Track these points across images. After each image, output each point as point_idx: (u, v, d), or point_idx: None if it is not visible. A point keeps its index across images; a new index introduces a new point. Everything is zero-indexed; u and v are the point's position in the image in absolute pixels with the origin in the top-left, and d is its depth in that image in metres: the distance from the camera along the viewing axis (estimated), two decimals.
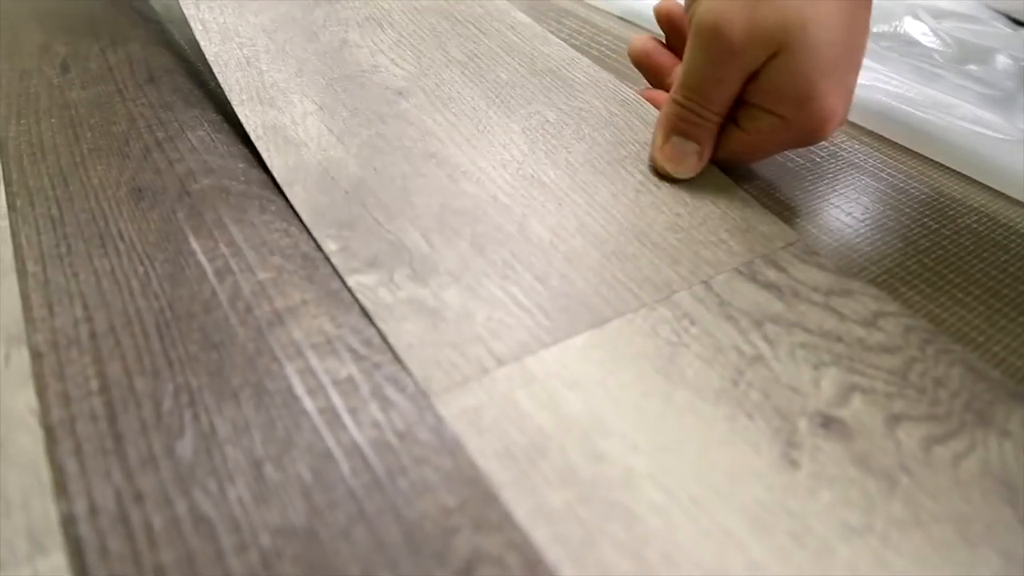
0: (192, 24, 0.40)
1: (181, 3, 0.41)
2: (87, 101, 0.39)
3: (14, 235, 0.29)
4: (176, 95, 0.40)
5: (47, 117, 0.37)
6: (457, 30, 0.43)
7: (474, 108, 0.37)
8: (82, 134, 0.36)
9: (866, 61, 0.37)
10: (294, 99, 0.36)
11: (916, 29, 0.49)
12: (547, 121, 0.37)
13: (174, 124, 0.37)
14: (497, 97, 0.38)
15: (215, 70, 0.37)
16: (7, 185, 0.32)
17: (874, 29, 0.48)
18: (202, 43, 0.39)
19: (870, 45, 0.42)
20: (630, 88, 0.39)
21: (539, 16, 0.53)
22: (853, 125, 0.41)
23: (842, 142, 0.39)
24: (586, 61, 0.42)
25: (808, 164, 0.37)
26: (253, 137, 0.33)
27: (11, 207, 0.31)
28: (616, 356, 0.25)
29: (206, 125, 0.37)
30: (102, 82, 0.41)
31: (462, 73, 0.40)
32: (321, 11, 0.43)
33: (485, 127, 0.36)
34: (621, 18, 0.55)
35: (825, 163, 0.37)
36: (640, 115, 0.38)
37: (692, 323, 0.27)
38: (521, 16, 0.46)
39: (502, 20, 0.45)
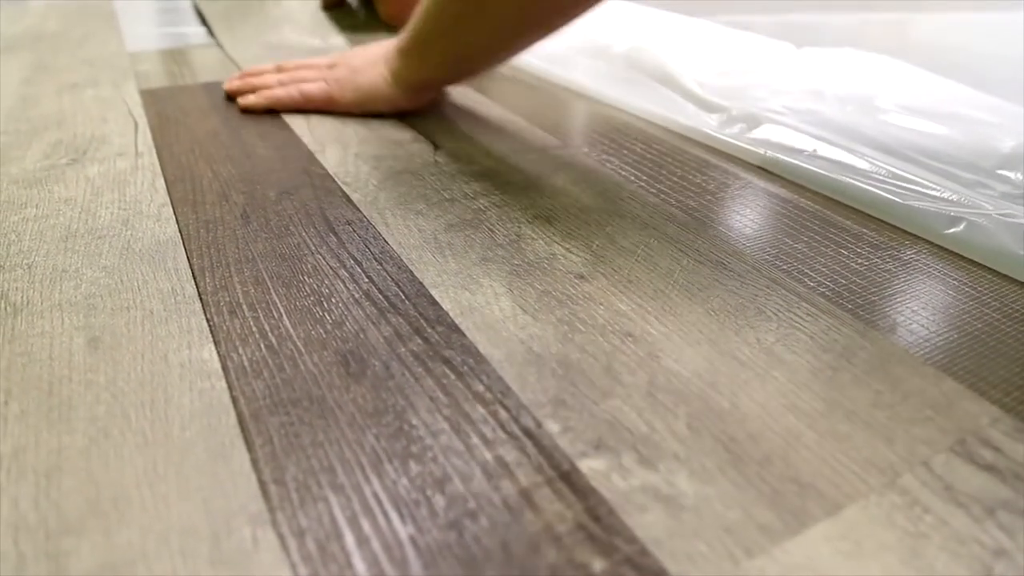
0: (375, 224, 0.45)
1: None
2: (272, 254, 0.40)
3: (234, 401, 0.30)
4: (359, 251, 0.41)
5: (239, 272, 0.39)
6: (619, 223, 0.45)
7: (655, 291, 0.38)
8: (274, 290, 0.37)
9: None
10: (483, 282, 0.39)
11: None
12: (727, 304, 0.37)
13: (363, 280, 0.38)
14: (674, 282, 0.39)
15: (405, 260, 0.41)
16: (215, 343, 0.33)
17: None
18: (387, 239, 0.44)
19: None
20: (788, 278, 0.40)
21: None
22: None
23: (1015, 302, 0.39)
24: (746, 254, 0.43)
25: (988, 329, 0.37)
26: (452, 315, 0.35)
27: (224, 368, 0.32)
28: (861, 549, 0.25)
29: (398, 283, 0.38)
30: (284, 234, 0.43)
31: (634, 259, 0.41)
32: (492, 213, 0.46)
33: (670, 308, 0.37)
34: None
35: (1004, 326, 0.37)
36: (812, 301, 0.38)
37: (924, 511, 0.26)
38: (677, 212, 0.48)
39: (660, 213, 0.47)
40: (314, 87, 0.62)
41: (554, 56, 0.80)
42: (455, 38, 0.54)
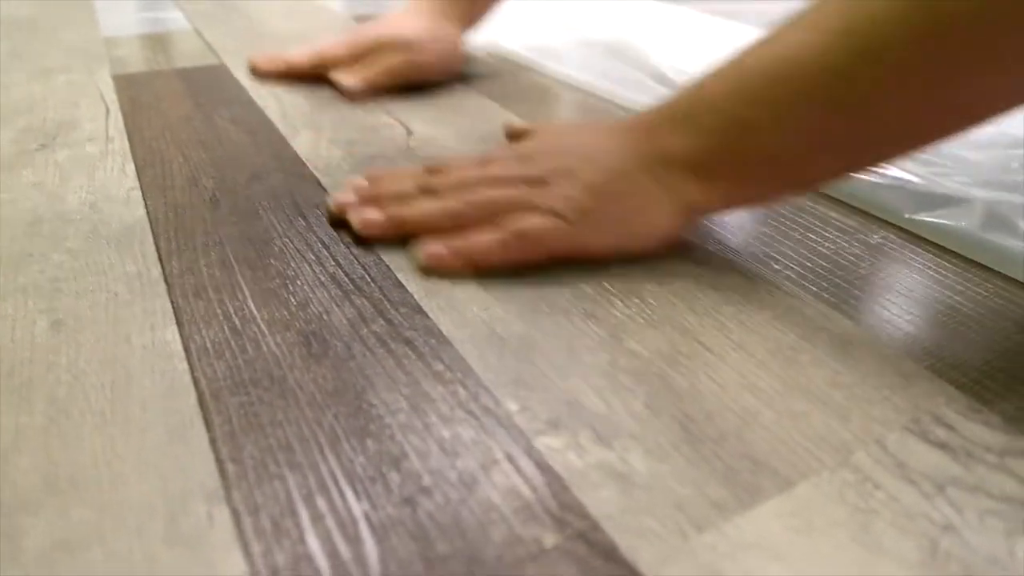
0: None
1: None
2: (240, 237, 0.40)
3: (195, 382, 0.30)
4: (327, 234, 0.41)
5: (205, 255, 0.39)
6: None
7: (622, 273, 0.39)
8: (241, 272, 0.37)
9: None
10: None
11: None
12: (692, 286, 0.38)
13: (330, 263, 0.38)
14: (642, 263, 0.40)
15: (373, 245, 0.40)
16: (179, 325, 0.33)
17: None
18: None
19: None
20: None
21: None
22: (989, 270, 0.41)
23: (978, 287, 0.39)
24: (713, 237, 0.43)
25: (950, 312, 0.37)
26: (417, 297, 0.35)
27: (187, 349, 0.32)
28: (811, 525, 0.25)
29: (364, 266, 0.38)
30: (252, 217, 0.43)
31: None
32: None
33: (635, 290, 0.38)
34: None
35: (966, 310, 0.37)
36: (776, 283, 0.39)
37: (875, 487, 0.27)
38: None
39: None
40: (542, 224, 0.37)
41: (537, 45, 0.80)
42: (833, 143, 0.34)
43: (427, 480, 0.26)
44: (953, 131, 0.32)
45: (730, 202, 0.38)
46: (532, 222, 0.36)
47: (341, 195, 0.42)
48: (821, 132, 0.33)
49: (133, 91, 0.65)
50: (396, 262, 0.38)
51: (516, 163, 0.40)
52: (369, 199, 0.40)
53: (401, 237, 0.39)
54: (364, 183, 0.42)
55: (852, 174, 0.36)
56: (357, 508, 0.25)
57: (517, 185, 0.38)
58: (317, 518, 0.24)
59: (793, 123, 0.33)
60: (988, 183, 0.47)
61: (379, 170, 0.44)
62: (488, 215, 0.37)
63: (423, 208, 0.39)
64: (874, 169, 0.45)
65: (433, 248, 0.37)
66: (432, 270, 0.37)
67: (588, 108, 0.66)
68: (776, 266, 0.40)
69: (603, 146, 0.39)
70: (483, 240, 0.37)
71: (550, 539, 0.24)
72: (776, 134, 0.34)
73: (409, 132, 0.57)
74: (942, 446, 0.29)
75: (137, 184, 0.47)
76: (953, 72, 0.29)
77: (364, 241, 0.40)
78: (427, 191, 0.40)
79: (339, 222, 0.41)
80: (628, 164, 0.37)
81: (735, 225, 0.44)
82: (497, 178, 0.39)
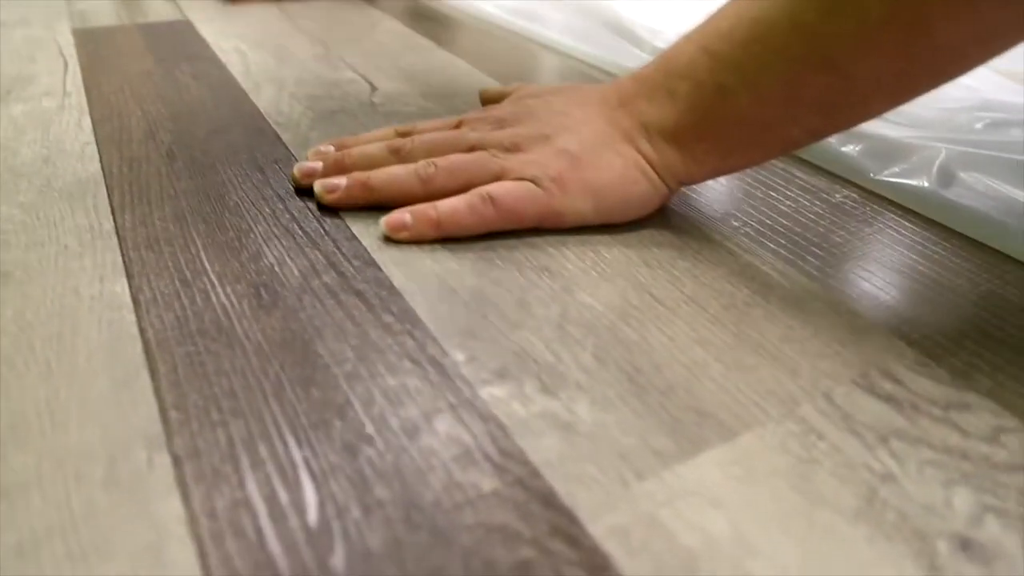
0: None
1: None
2: (196, 191, 0.40)
3: (142, 331, 0.30)
4: (283, 186, 0.41)
5: (160, 208, 0.38)
6: None
7: (577, 228, 0.38)
8: (195, 226, 0.37)
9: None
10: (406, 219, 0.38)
11: None
12: (650, 240, 0.38)
13: (284, 216, 0.38)
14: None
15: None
16: (129, 277, 0.33)
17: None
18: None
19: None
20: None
21: None
22: (948, 230, 0.41)
23: (935, 246, 0.40)
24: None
25: (905, 270, 0.37)
26: (371, 250, 0.35)
27: (135, 300, 0.32)
28: (752, 473, 0.25)
29: (319, 219, 0.38)
30: (209, 171, 0.42)
31: None
32: None
33: (590, 244, 0.37)
34: None
35: (921, 268, 0.37)
36: (737, 243, 0.38)
37: (819, 438, 0.27)
38: None
39: None
40: (516, 191, 0.35)
41: (514, 6, 0.79)
42: (808, 105, 0.33)
43: (369, 428, 0.26)
44: (931, 83, 0.31)
45: (712, 170, 0.37)
46: (505, 187, 0.35)
47: (307, 163, 0.40)
48: (798, 91, 0.32)
49: (93, 46, 0.63)
50: (351, 214, 0.38)
51: (490, 127, 0.38)
52: (335, 166, 0.39)
53: (367, 204, 0.38)
54: (330, 149, 0.40)
55: (834, 133, 0.36)
56: (298, 454, 0.25)
57: (490, 150, 0.37)
58: (257, 464, 0.24)
59: (769, 84, 0.32)
60: (952, 143, 0.47)
61: (348, 138, 0.43)
62: (459, 180, 0.36)
63: (390, 172, 0.37)
64: (854, 128, 0.44)
65: (396, 215, 0.35)
66: (399, 238, 0.36)
67: (566, 71, 0.66)
68: (735, 223, 0.40)
69: (580, 114, 0.38)
70: (450, 203, 0.35)
71: (488, 485, 0.24)
72: (753, 97, 0.33)
73: (373, 88, 0.56)
74: (888, 399, 0.29)
75: (93, 138, 0.46)
76: (927, 22, 0.29)
77: (330, 209, 0.38)
78: (396, 153, 0.38)
79: (304, 190, 0.40)
80: (606, 133, 0.36)
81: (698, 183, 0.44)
82: (470, 142, 0.38)
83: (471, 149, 0.37)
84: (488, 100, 0.47)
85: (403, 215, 0.35)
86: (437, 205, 0.35)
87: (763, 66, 0.32)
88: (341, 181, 0.37)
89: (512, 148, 0.36)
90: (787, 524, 0.24)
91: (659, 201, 0.38)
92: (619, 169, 0.36)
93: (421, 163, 0.36)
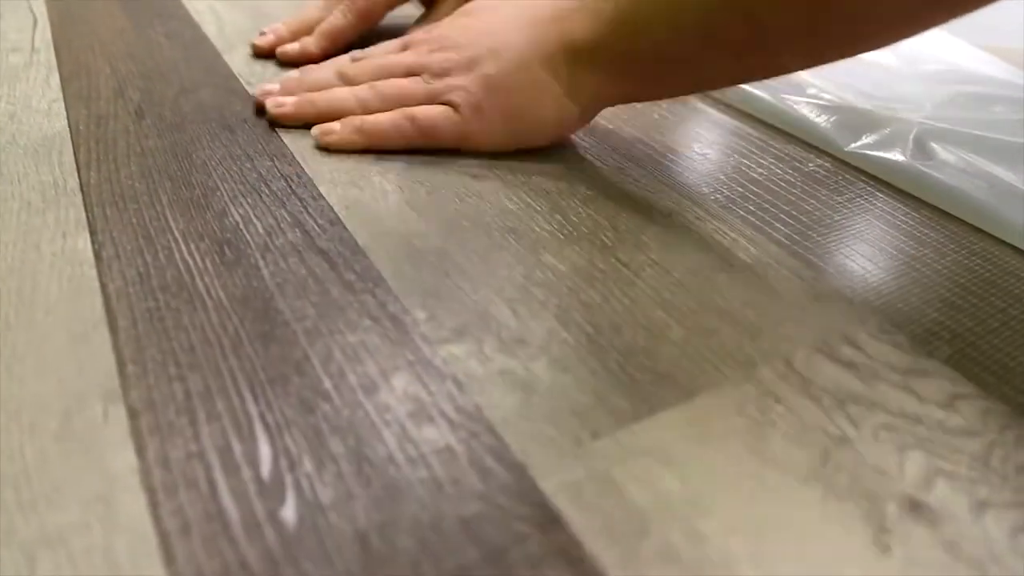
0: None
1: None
2: (164, 150, 0.40)
3: (103, 287, 0.30)
4: (252, 147, 0.40)
5: (126, 165, 0.38)
6: None
7: (547, 191, 0.38)
8: (161, 184, 0.36)
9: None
10: (375, 180, 0.38)
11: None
12: (616, 206, 0.38)
13: (252, 176, 0.37)
14: (567, 185, 0.39)
15: (297, 157, 0.40)
16: (92, 233, 0.33)
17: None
18: (283, 136, 0.42)
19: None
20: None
21: None
22: (919, 200, 0.41)
23: (905, 216, 0.40)
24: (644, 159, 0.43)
25: (874, 239, 0.37)
26: (336, 210, 0.35)
27: (97, 256, 0.31)
28: (706, 433, 0.25)
29: (283, 178, 0.37)
30: (177, 130, 0.42)
31: (533, 161, 0.41)
32: None
33: (559, 207, 0.37)
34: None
35: (890, 238, 0.38)
36: (704, 205, 0.38)
37: (777, 401, 0.27)
38: None
39: None
40: (435, 114, 0.39)
41: None
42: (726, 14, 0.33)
43: (327, 384, 0.26)
44: (851, 45, 0.33)
45: (627, 94, 0.40)
46: (426, 111, 0.39)
47: (266, 84, 0.45)
48: (716, 33, 0.33)
49: (64, 2, 0.62)
50: (319, 174, 0.38)
51: (428, 49, 0.42)
52: (288, 87, 0.43)
53: (313, 120, 0.42)
54: (293, 74, 0.45)
55: (750, 79, 0.40)
56: (254, 409, 0.25)
57: (423, 75, 0.41)
58: (213, 417, 0.24)
59: (687, 24, 0.34)
60: (929, 117, 0.47)
61: (312, 65, 0.47)
62: (390, 103, 0.40)
63: (334, 95, 0.42)
64: (830, 99, 0.45)
65: (327, 124, 0.41)
66: (328, 145, 0.40)
67: None
68: (706, 189, 0.40)
69: (511, 37, 0.39)
70: (376, 117, 0.40)
71: (442, 441, 0.24)
72: (671, 33, 0.35)
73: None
74: (848, 365, 0.29)
75: (60, 95, 0.45)
76: None
77: (277, 124, 0.42)
78: (343, 77, 0.43)
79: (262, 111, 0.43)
80: (530, 57, 0.38)
81: (668, 148, 0.44)
82: (406, 66, 0.42)
83: (408, 72, 0.41)
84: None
85: (333, 124, 0.40)
86: (365, 117, 0.40)
87: (683, 6, 0.34)
88: (290, 99, 0.42)
89: (441, 73, 0.40)
90: (739, 484, 0.24)
91: (575, 125, 0.41)
92: (535, 95, 0.39)
93: (361, 87, 0.41)
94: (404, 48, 0.44)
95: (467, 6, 0.45)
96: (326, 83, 0.43)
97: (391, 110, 0.40)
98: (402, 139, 0.40)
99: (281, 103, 0.42)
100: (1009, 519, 0.23)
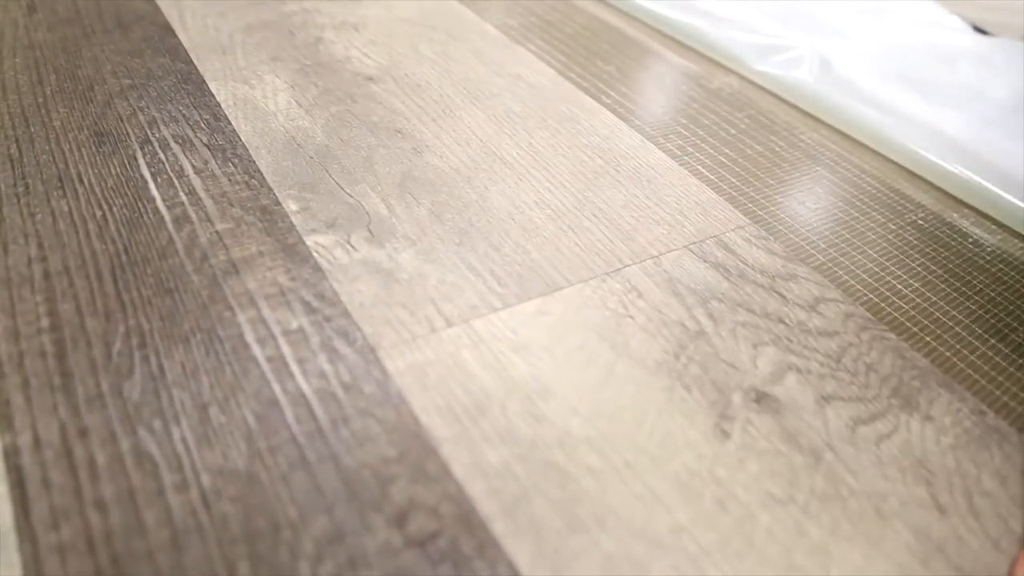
0: (170, 19, 0.41)
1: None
2: (53, 43, 0.38)
3: None
4: (146, 44, 0.39)
5: (11, 57, 0.37)
6: (429, 35, 0.44)
7: (441, 95, 0.38)
8: (46, 76, 0.35)
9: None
10: (266, 79, 0.38)
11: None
12: (512, 111, 0.37)
13: (141, 72, 0.37)
14: (465, 89, 0.39)
15: (192, 55, 0.38)
16: None
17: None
18: (180, 35, 0.41)
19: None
20: (590, 99, 0.40)
21: None
22: (819, 121, 0.42)
23: (803, 134, 0.40)
24: (552, 72, 0.43)
25: (768, 154, 0.38)
26: (224, 106, 0.34)
27: None
28: (563, 324, 0.26)
29: (174, 75, 0.37)
30: (69, 25, 0.40)
31: (432, 67, 0.40)
32: (298, 17, 0.44)
33: (451, 111, 0.37)
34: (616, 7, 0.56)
35: (785, 153, 0.38)
36: (602, 119, 0.38)
37: (640, 296, 0.28)
38: (491, 28, 0.46)
39: (472, 29, 0.46)
40: None
41: None
42: None
43: (189, 267, 0.26)
44: None
45: None
46: None
47: None
48: None
49: None
50: (211, 72, 0.37)
51: None
52: None
53: None
54: None
55: None
56: (111, 288, 0.24)
57: None
58: (69, 297, 0.24)
59: None
60: (830, 36, 0.47)
61: None
62: None
63: None
64: (737, 19, 0.44)
65: None
66: None
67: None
68: (607, 100, 0.40)
69: None
70: None
71: (295, 322, 0.24)
72: None
73: None
74: (718, 266, 0.29)
75: None
76: None
77: None
78: None
79: None
80: None
81: (575, 61, 0.44)
82: None
83: None
84: None
85: None
86: None
87: None
88: None
89: None
90: (587, 371, 0.24)
91: None
92: None
93: None
94: None
95: None
96: None
97: None
98: None
99: None
100: (850, 411, 0.24)
